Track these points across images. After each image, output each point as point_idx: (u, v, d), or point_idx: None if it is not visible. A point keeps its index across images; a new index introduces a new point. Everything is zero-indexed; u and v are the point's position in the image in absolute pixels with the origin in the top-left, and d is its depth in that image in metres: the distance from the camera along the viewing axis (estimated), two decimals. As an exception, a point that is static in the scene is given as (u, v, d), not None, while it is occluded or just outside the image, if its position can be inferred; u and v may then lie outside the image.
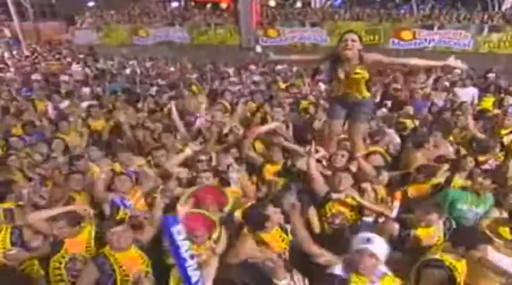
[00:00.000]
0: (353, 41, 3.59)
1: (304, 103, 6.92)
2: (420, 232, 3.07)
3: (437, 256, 2.64)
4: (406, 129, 5.74)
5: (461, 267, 2.60)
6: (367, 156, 4.23)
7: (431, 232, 3.11)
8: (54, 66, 15.29)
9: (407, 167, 4.17)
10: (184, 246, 2.19)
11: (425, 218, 3.04)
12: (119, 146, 4.65)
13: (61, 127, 5.55)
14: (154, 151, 4.42)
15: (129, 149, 4.54)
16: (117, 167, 4.19)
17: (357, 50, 3.62)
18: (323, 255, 2.61)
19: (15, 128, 5.99)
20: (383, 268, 2.46)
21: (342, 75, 3.69)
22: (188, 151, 4.09)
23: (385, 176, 3.92)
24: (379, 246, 2.40)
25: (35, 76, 11.60)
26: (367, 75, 3.72)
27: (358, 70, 3.67)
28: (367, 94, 3.90)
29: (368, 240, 2.39)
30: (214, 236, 2.96)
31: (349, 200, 3.42)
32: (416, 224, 3.07)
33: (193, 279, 2.17)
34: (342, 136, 4.50)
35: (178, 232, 2.19)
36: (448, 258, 2.60)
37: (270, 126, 4.86)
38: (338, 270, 2.42)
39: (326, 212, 3.47)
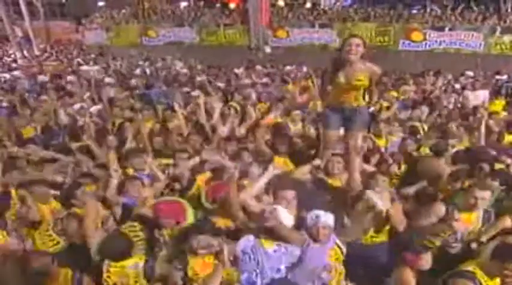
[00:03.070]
0: (357, 45, 3.56)
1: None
2: (463, 216, 3.18)
3: (470, 268, 2.59)
4: (418, 132, 5.74)
5: None
6: None
7: (473, 218, 3.24)
8: (53, 66, 15.29)
9: (429, 177, 4.12)
10: None
11: (479, 194, 3.15)
12: (133, 150, 4.66)
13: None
14: (178, 153, 4.48)
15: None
16: (130, 172, 4.20)
17: (360, 55, 3.60)
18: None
19: (25, 130, 6.06)
20: None
21: (342, 79, 3.63)
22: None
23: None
24: (283, 216, 2.87)
25: (42, 77, 11.63)
26: (367, 83, 3.71)
27: (360, 77, 3.63)
28: (362, 102, 3.89)
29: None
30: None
31: None
32: (466, 205, 3.21)
33: None
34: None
35: None
36: (481, 274, 2.53)
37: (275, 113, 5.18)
38: (251, 239, 2.89)
39: None
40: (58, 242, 3.29)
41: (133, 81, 10.15)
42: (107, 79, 10.33)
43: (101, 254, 2.86)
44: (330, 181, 3.95)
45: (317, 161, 3.95)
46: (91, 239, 3.03)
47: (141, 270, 2.83)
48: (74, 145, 5.00)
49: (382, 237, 3.41)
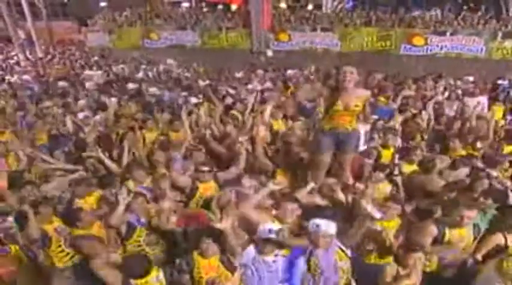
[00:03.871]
0: (351, 73, 3.80)
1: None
2: (453, 233, 3.28)
3: None
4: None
5: None
6: None
7: (464, 234, 3.33)
8: (55, 70, 15.26)
9: (424, 192, 4.19)
10: None
11: (465, 213, 3.22)
12: (135, 162, 4.72)
13: None
14: None
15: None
16: (131, 184, 4.23)
17: (354, 83, 3.83)
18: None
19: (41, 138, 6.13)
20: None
21: (340, 105, 3.84)
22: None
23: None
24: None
25: (62, 83, 11.59)
26: (362, 108, 3.97)
27: (357, 102, 3.88)
28: (355, 126, 4.13)
29: (269, 230, 3.00)
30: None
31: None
32: (454, 222, 3.28)
33: None
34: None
35: None
36: None
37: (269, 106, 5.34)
38: (251, 251, 3.07)
39: None
40: (73, 255, 3.43)
41: (131, 85, 10.14)
42: (130, 85, 10.23)
43: (124, 276, 2.94)
44: (326, 202, 3.97)
45: (311, 185, 4.02)
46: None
47: (164, 280, 3.03)
48: (85, 154, 5.01)
49: (386, 261, 3.47)
